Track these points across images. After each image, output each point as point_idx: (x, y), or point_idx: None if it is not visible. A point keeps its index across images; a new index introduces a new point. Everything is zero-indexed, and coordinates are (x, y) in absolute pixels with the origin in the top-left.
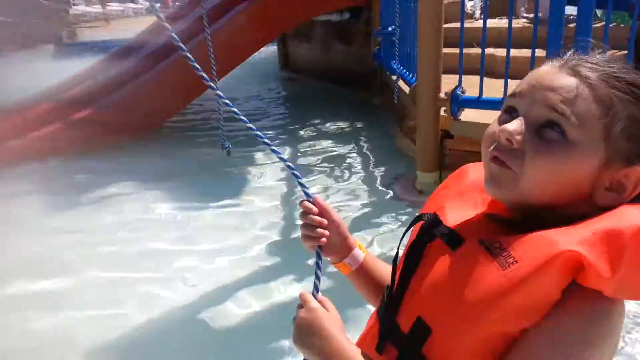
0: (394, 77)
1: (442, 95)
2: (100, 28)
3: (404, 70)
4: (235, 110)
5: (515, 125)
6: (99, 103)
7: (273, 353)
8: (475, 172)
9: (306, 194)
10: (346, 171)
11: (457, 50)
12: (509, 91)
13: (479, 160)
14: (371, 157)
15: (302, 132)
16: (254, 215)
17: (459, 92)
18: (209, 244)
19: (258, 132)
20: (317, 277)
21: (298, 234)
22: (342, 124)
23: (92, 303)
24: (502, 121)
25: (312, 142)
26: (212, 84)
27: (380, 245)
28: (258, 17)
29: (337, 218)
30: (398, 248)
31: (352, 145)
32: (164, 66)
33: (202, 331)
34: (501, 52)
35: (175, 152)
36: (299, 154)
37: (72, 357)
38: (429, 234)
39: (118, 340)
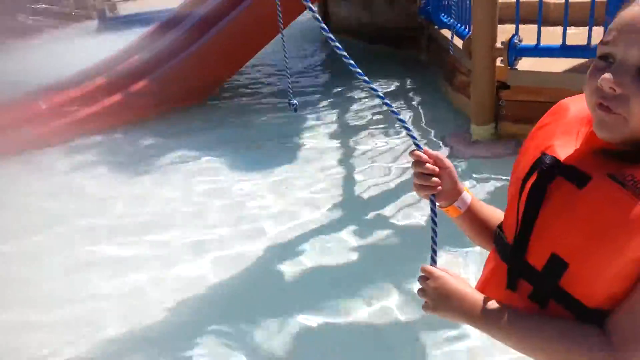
0: (443, 31)
1: (498, 45)
2: (130, 1)
3: (455, 23)
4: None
5: (614, 73)
6: (153, 74)
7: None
8: (575, 105)
9: (416, 145)
10: (399, 129)
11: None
12: (603, 37)
13: (537, 110)
14: (423, 114)
15: (349, 93)
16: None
17: (515, 41)
18: (298, 211)
19: (366, 79)
20: (434, 241)
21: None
22: (390, 83)
23: (178, 265)
24: (598, 69)
25: (360, 102)
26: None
27: None
28: None
29: (449, 164)
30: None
31: (402, 103)
32: (214, 34)
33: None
34: None
35: (238, 117)
36: (349, 114)
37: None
38: (549, 174)
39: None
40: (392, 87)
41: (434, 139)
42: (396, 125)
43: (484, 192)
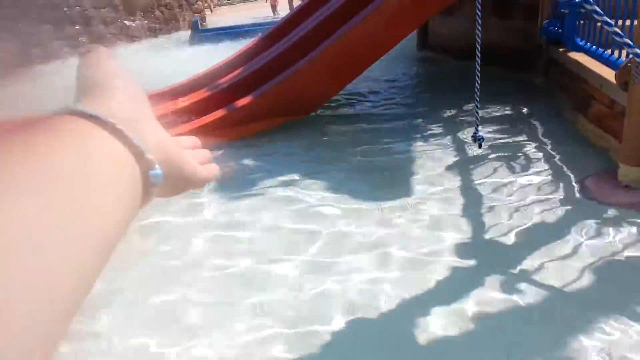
0: (572, 54)
1: None
2: (210, 14)
3: (597, 49)
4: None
5: None
6: (257, 89)
7: None
8: None
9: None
10: (524, 163)
11: None
12: None
13: None
14: (550, 147)
15: (458, 118)
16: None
17: None
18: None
19: None
20: None
21: None
22: (505, 107)
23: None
24: None
25: (471, 129)
26: None
27: (588, 256)
28: None
29: None
30: None
31: (523, 133)
32: (319, 51)
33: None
34: None
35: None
36: (458, 141)
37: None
38: None
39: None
40: (508, 111)
41: (569, 176)
42: (519, 157)
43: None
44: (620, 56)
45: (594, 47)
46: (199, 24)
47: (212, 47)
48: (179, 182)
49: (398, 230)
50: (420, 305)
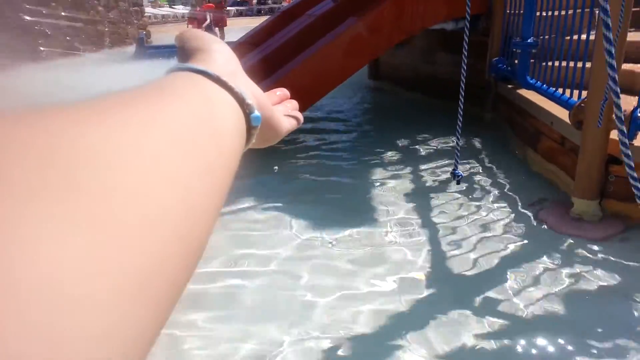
0: (522, 91)
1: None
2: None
3: (547, 87)
4: None
5: None
6: None
7: None
8: None
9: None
10: (478, 195)
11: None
12: None
13: None
14: (502, 181)
15: (410, 147)
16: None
17: (639, 114)
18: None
19: None
20: None
21: None
22: (455, 141)
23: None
24: None
25: (426, 161)
26: None
27: (543, 285)
28: (373, 27)
29: None
30: None
31: (476, 164)
32: (274, 79)
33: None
34: None
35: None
36: (412, 172)
37: None
38: None
39: None
40: (461, 144)
41: (522, 209)
42: (473, 190)
43: (593, 277)
44: (571, 95)
45: (544, 85)
46: (144, 40)
47: (157, 63)
48: (267, 132)
49: (348, 261)
50: (364, 341)
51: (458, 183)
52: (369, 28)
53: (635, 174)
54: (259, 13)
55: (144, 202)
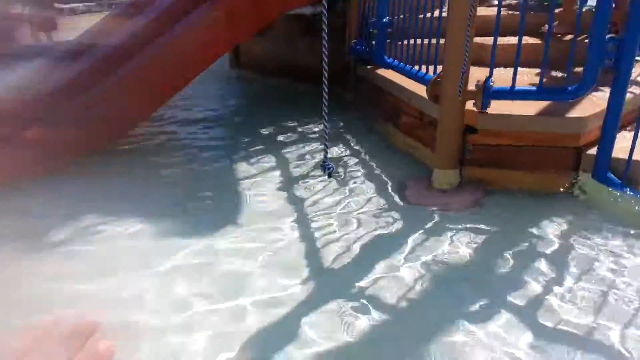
0: (380, 71)
1: (471, 87)
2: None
3: (404, 65)
4: None
5: None
6: (50, 118)
7: None
8: None
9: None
10: (346, 177)
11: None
12: None
13: (504, 154)
14: (367, 159)
15: (277, 136)
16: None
17: (491, 84)
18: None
19: None
20: None
21: None
22: (320, 121)
23: None
24: None
25: (293, 147)
26: None
27: (411, 259)
28: (229, 15)
29: None
30: None
31: (341, 147)
32: (129, 69)
33: None
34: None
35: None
36: (282, 160)
37: None
38: None
39: None
40: (322, 126)
41: (388, 183)
42: (339, 172)
43: (460, 242)
44: (427, 71)
45: (401, 63)
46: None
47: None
48: None
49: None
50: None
51: (329, 176)
52: (224, 16)
53: None
54: (110, 8)
55: None
